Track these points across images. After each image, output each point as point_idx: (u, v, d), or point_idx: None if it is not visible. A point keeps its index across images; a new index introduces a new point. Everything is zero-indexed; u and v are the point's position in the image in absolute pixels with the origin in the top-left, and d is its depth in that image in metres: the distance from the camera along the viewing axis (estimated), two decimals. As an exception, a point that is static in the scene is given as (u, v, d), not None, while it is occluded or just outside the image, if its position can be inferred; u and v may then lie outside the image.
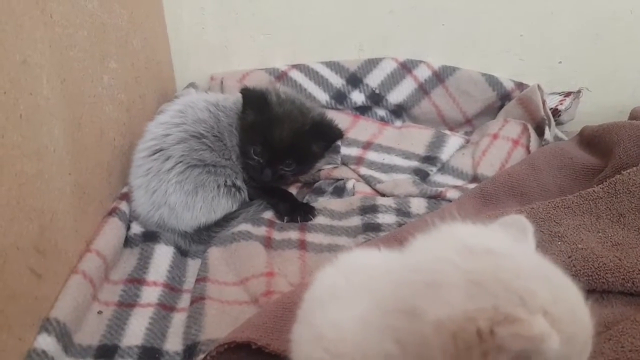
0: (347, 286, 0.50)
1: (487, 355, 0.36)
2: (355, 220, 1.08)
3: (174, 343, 0.84)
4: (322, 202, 1.16)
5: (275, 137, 1.06)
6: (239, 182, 1.10)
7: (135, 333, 0.85)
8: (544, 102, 1.31)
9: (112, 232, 0.99)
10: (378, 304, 0.44)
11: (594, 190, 0.98)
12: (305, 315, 0.53)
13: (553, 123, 1.30)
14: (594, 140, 1.17)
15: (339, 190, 1.20)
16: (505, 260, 0.41)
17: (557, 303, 0.39)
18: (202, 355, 0.75)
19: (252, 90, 1.09)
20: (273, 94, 1.11)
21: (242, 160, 1.10)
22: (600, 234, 0.91)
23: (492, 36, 1.44)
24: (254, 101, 1.08)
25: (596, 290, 0.82)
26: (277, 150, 1.08)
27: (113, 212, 1.02)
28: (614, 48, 1.45)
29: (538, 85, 1.34)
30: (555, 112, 1.36)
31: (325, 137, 1.14)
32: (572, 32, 1.43)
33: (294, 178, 1.18)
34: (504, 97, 1.41)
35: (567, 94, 1.42)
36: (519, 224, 0.48)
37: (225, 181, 1.07)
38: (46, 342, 0.77)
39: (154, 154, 1.04)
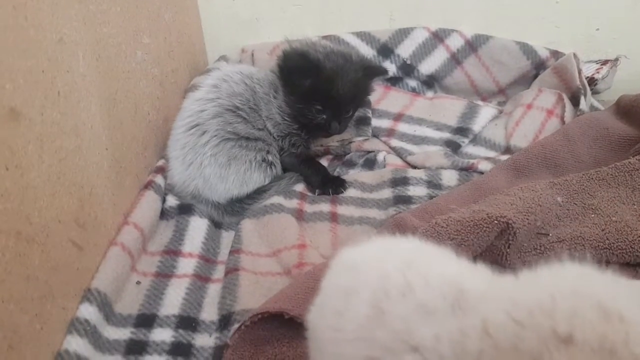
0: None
1: None
2: (386, 193, 1.09)
3: (209, 313, 0.87)
4: (353, 175, 1.16)
5: (335, 93, 1.09)
6: (270, 157, 1.11)
7: (172, 303, 0.88)
8: (579, 71, 1.28)
9: (148, 205, 1.01)
10: (486, 337, 0.40)
11: (629, 162, 0.96)
12: None
13: (589, 92, 1.27)
14: (631, 110, 1.14)
15: (370, 163, 1.20)
16: None
17: None
18: (236, 325, 0.78)
19: (296, 55, 1.10)
20: (314, 51, 1.11)
21: (300, 121, 1.13)
22: (635, 207, 0.90)
23: (527, 3, 1.41)
24: (303, 66, 1.09)
25: (630, 264, 0.82)
26: (340, 103, 1.11)
27: (149, 185, 1.05)
28: (653, 14, 1.40)
29: (574, 54, 1.31)
30: (592, 81, 1.33)
31: (375, 75, 1.20)
32: (609, -2, 1.39)
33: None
34: (539, 66, 1.38)
35: (604, 62, 1.38)
36: None
37: (256, 156, 1.09)
38: (88, 311, 0.80)
39: (191, 129, 1.06)
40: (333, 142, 1.25)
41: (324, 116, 1.11)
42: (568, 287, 0.41)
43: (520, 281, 0.44)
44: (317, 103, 1.10)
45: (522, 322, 0.39)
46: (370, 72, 1.16)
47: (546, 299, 0.40)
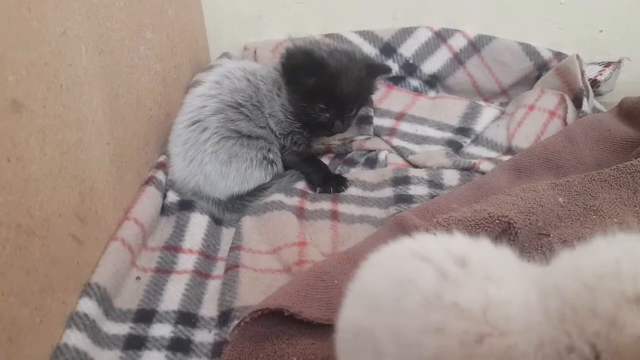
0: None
1: None
2: (387, 192, 1.09)
3: (209, 309, 0.87)
4: (354, 173, 1.16)
5: (339, 92, 1.08)
6: (271, 155, 1.11)
7: (172, 298, 0.88)
8: (582, 73, 1.28)
9: (149, 201, 1.01)
10: (563, 299, 0.43)
11: (632, 164, 0.96)
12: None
13: (592, 94, 1.26)
14: (634, 112, 1.14)
15: (371, 162, 1.20)
16: None
17: None
18: (236, 321, 0.77)
19: (300, 53, 1.09)
20: (318, 49, 1.11)
21: (303, 120, 1.12)
22: (637, 208, 0.90)
23: (530, 4, 1.41)
24: (307, 65, 1.08)
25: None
26: (343, 102, 1.10)
27: (150, 181, 1.05)
28: (657, 17, 1.40)
29: (577, 55, 1.30)
30: (594, 83, 1.33)
31: (379, 73, 1.19)
32: (613, 0, 1.38)
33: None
34: (542, 67, 1.38)
35: (607, 64, 1.38)
36: None
37: (257, 154, 1.08)
38: (88, 305, 0.80)
39: (192, 125, 1.06)
40: (335, 140, 1.25)
41: (327, 115, 1.10)
42: (628, 251, 0.43)
43: (579, 251, 0.46)
44: (321, 101, 1.09)
45: (592, 286, 0.41)
46: (374, 70, 1.15)
47: (611, 262, 0.42)
